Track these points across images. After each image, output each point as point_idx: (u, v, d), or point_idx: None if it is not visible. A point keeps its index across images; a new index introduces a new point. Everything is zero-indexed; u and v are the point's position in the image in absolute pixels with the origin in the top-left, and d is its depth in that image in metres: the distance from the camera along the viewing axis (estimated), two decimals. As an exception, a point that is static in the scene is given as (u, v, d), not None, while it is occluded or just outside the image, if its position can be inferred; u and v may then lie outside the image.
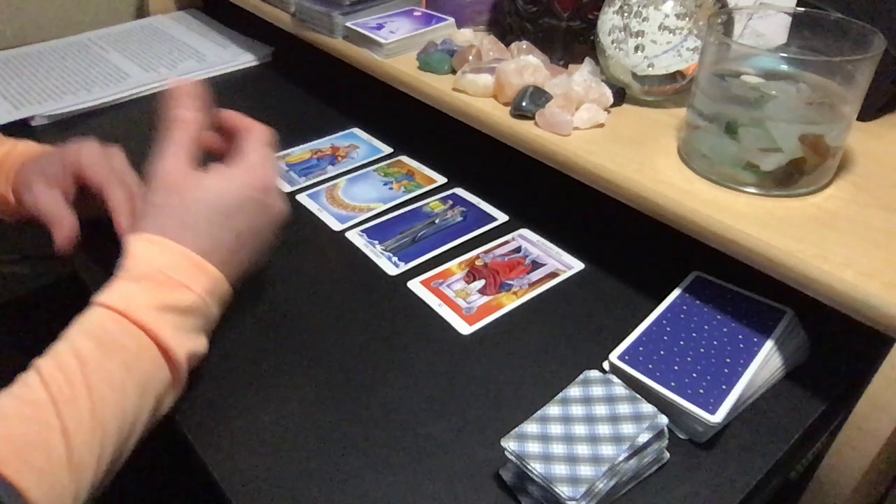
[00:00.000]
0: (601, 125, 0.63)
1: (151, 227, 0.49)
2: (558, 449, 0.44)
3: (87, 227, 0.61)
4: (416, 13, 0.83)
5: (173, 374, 0.47)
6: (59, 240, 0.58)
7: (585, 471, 0.42)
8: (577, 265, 0.65)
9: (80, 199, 0.61)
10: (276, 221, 0.54)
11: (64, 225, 0.58)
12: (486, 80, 0.68)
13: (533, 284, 0.63)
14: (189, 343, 0.48)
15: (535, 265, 0.65)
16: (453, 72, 0.72)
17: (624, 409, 0.46)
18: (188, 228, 0.49)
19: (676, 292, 0.57)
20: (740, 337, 0.52)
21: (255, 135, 0.55)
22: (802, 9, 0.56)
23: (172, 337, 0.46)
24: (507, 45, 0.73)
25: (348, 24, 0.81)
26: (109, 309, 0.45)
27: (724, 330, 0.53)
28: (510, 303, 0.60)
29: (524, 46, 0.71)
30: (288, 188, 0.77)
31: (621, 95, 0.66)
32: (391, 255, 0.66)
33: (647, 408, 0.46)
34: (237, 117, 0.58)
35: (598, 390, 0.48)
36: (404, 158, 0.82)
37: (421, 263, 0.65)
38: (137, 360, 0.45)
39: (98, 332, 0.45)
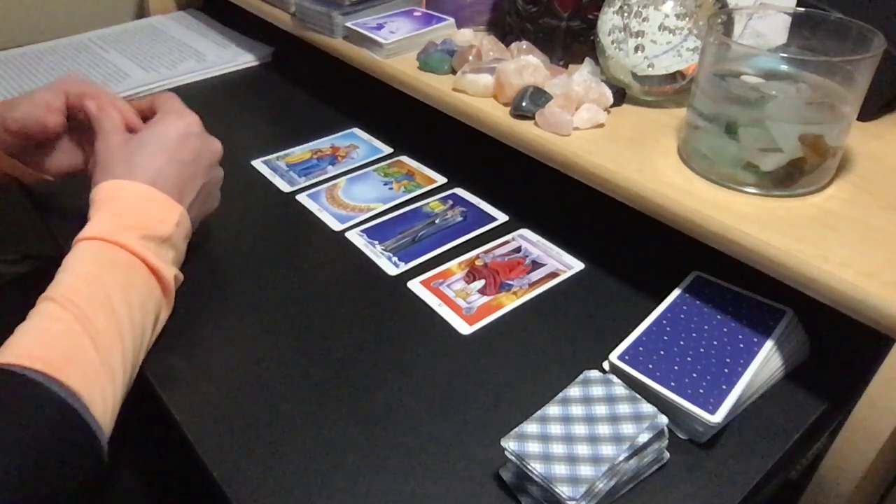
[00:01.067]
0: (601, 125, 0.63)
1: (108, 176, 0.54)
2: (558, 449, 0.44)
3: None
4: (416, 13, 0.83)
5: (164, 293, 0.53)
6: (50, 123, 0.61)
7: (585, 471, 0.42)
8: (577, 265, 0.65)
9: (62, 142, 0.65)
10: (215, 153, 0.61)
11: (51, 119, 0.61)
12: (486, 80, 0.68)
13: (533, 284, 0.63)
14: (171, 269, 0.54)
15: (535, 265, 0.65)
16: (453, 72, 0.72)
17: (624, 409, 0.46)
18: (138, 167, 0.55)
19: (676, 292, 0.57)
20: (740, 337, 0.52)
21: (164, 96, 0.62)
22: (802, 9, 0.56)
23: (157, 261, 0.52)
24: (507, 45, 0.73)
25: (348, 24, 0.81)
26: (96, 239, 0.50)
27: (724, 330, 0.53)
28: (510, 303, 0.60)
29: (524, 46, 0.71)
30: (288, 188, 0.77)
31: (621, 95, 0.66)
32: (391, 255, 0.66)
33: (647, 408, 0.46)
34: (139, 103, 0.63)
35: (598, 390, 0.48)
36: (404, 158, 0.82)
37: (421, 263, 0.65)
38: (134, 278, 0.50)
39: (93, 259, 0.50)
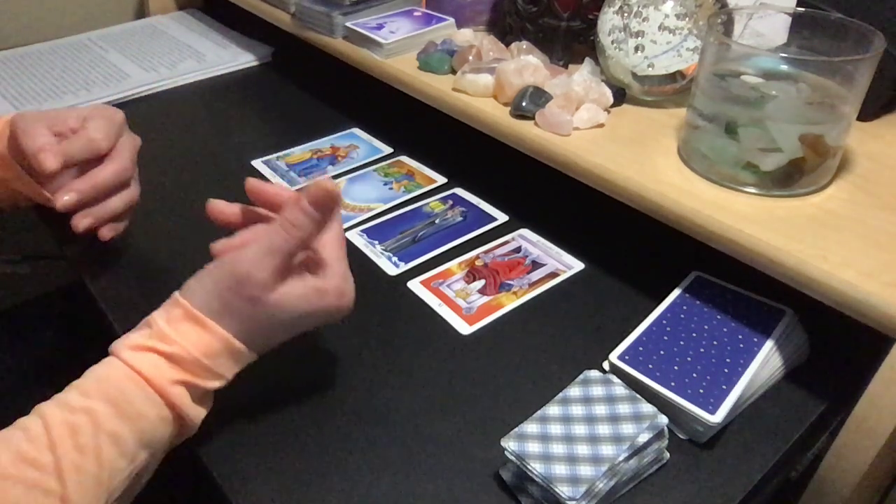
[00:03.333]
0: (601, 125, 0.63)
1: (207, 305, 0.45)
2: (558, 449, 0.44)
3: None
4: (416, 13, 0.83)
5: (184, 435, 0.46)
6: (44, 161, 0.55)
7: (585, 471, 0.42)
8: (577, 265, 0.65)
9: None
10: (335, 321, 0.50)
11: (49, 153, 0.55)
12: (486, 80, 0.68)
13: (533, 284, 0.63)
14: (205, 409, 0.46)
15: (535, 265, 0.65)
16: (453, 72, 0.72)
17: (624, 409, 0.46)
18: (243, 330, 0.45)
19: (676, 292, 0.57)
20: (740, 337, 0.52)
21: (336, 237, 0.50)
22: (802, 9, 0.56)
23: (192, 408, 0.45)
24: (507, 45, 0.73)
25: (348, 24, 0.81)
26: (136, 373, 0.43)
27: (724, 330, 0.53)
28: (510, 303, 0.60)
29: (524, 46, 0.71)
30: (288, 188, 0.77)
31: (621, 95, 0.66)
32: (391, 255, 0.66)
33: (647, 408, 0.46)
34: (300, 202, 0.47)
35: (598, 390, 0.48)
36: (404, 158, 0.82)
37: (421, 263, 0.65)
38: (154, 428, 0.43)
39: (118, 396, 0.42)
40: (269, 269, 0.45)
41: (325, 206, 0.46)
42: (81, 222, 0.59)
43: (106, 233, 0.61)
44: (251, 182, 0.52)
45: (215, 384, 0.45)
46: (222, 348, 0.45)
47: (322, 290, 0.47)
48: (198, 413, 0.45)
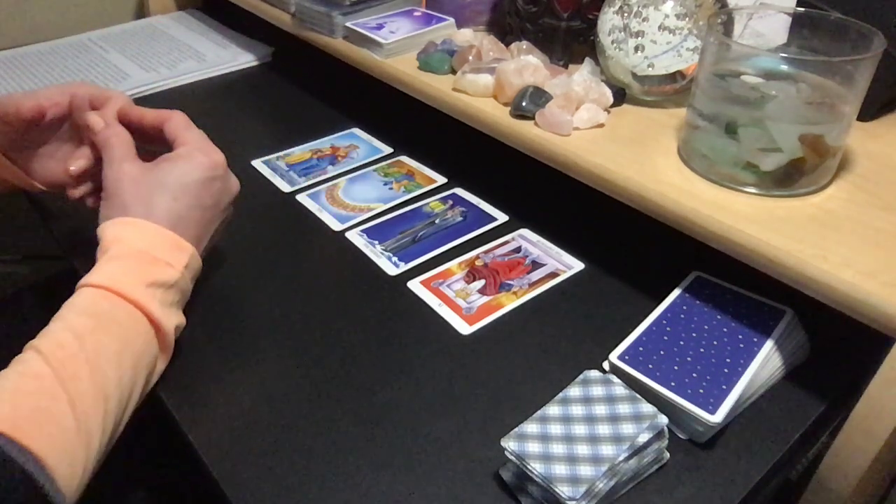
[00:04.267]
0: (601, 125, 0.63)
1: (122, 213, 0.51)
2: (558, 449, 0.44)
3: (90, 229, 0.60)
4: (416, 13, 0.83)
5: (162, 346, 0.50)
6: (49, 111, 0.59)
7: (585, 471, 0.42)
8: (577, 265, 0.65)
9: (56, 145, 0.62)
10: (233, 194, 0.58)
11: (51, 110, 0.59)
12: (486, 80, 0.68)
13: (533, 284, 0.63)
14: (174, 317, 0.51)
15: (535, 265, 0.65)
16: (453, 72, 0.72)
17: (624, 408, 0.46)
18: (158, 208, 0.52)
19: (676, 292, 0.57)
20: (740, 337, 0.52)
21: (179, 121, 0.57)
22: (802, 9, 0.56)
23: (160, 311, 0.49)
24: (507, 45, 0.73)
25: (348, 24, 0.81)
26: (99, 287, 0.47)
27: (724, 330, 0.53)
28: (510, 303, 0.60)
29: (524, 46, 0.71)
30: (288, 188, 0.77)
31: (621, 95, 0.66)
32: (391, 255, 0.66)
33: (647, 408, 0.46)
34: (146, 113, 0.59)
35: (598, 390, 0.48)
36: (404, 158, 0.82)
37: (421, 263, 0.65)
38: (131, 334, 0.47)
39: (92, 309, 0.46)
40: (126, 159, 0.54)
41: (108, 106, 0.57)
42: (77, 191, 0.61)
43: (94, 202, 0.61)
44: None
45: (170, 274, 0.50)
46: (153, 233, 0.51)
47: (186, 155, 0.55)
48: (167, 316, 0.49)
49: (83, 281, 0.48)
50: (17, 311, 0.85)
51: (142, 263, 0.49)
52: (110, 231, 0.51)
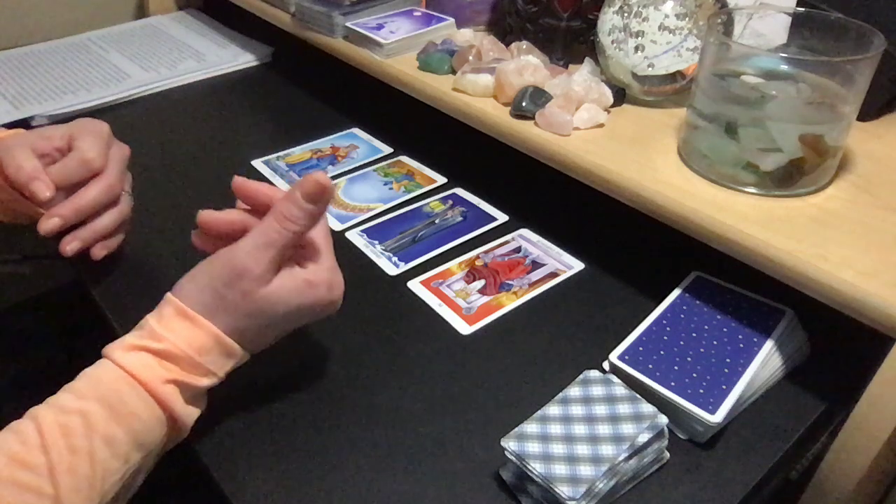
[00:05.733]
0: (601, 125, 0.63)
1: (199, 302, 0.45)
2: (558, 449, 0.44)
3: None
4: (416, 13, 0.83)
5: (177, 436, 0.46)
6: (37, 191, 0.55)
7: (585, 471, 0.42)
8: (577, 265, 0.65)
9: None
10: (326, 315, 0.50)
11: (41, 182, 0.55)
12: (486, 80, 0.68)
13: (533, 284, 0.63)
14: (197, 411, 0.46)
15: (535, 265, 0.65)
16: (453, 72, 0.72)
17: (624, 408, 0.46)
18: (236, 326, 0.45)
19: (676, 292, 0.57)
20: (740, 337, 0.52)
21: (322, 230, 0.49)
22: (802, 9, 0.56)
23: (185, 408, 0.45)
24: (507, 45, 0.73)
25: (348, 24, 0.81)
26: (127, 373, 0.43)
27: (724, 330, 0.53)
28: (510, 303, 0.60)
29: (524, 46, 0.71)
30: (288, 188, 0.76)
31: (621, 95, 0.66)
32: (391, 255, 0.66)
33: (647, 408, 0.46)
34: (261, 190, 0.51)
35: (598, 390, 0.48)
36: (404, 158, 0.82)
37: (421, 263, 0.65)
38: (147, 429, 0.43)
39: (111, 397, 0.42)
40: (265, 263, 0.45)
41: (319, 199, 0.46)
42: (69, 246, 0.58)
43: (97, 252, 0.59)
44: (238, 180, 0.51)
45: (206, 382, 0.45)
46: (213, 344, 0.45)
47: (312, 283, 0.47)
48: (189, 413, 0.45)
49: (114, 354, 0.44)
50: (15, 327, 0.85)
51: (182, 365, 0.44)
52: (170, 314, 0.45)
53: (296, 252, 0.48)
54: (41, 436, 0.40)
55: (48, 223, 0.56)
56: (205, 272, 0.46)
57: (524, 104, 0.64)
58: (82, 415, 0.41)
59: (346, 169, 0.80)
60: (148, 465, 0.44)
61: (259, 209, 0.50)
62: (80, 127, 0.59)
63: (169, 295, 0.46)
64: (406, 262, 0.65)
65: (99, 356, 0.45)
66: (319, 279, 0.47)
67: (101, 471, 0.40)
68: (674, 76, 0.63)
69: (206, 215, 0.50)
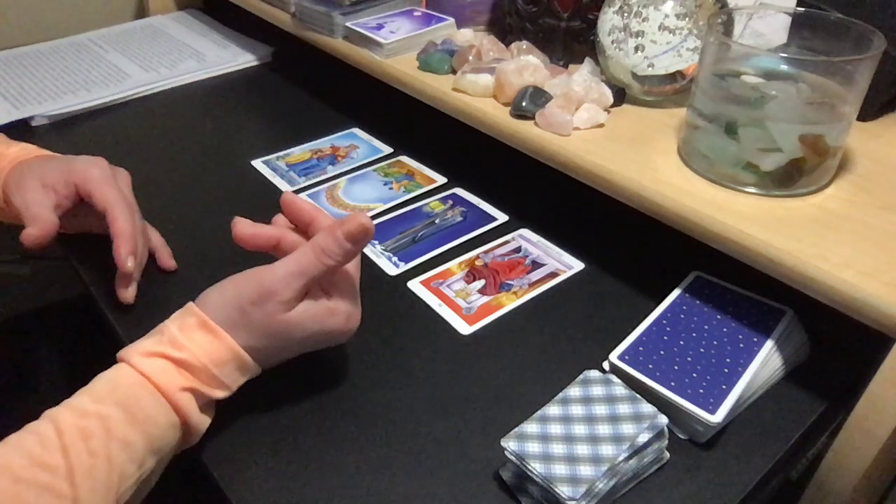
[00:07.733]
0: (601, 125, 0.63)
1: (223, 315, 0.46)
2: (558, 449, 0.44)
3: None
4: (416, 13, 0.83)
5: (186, 443, 0.47)
6: (28, 235, 0.56)
7: (585, 471, 0.42)
8: (577, 265, 0.65)
9: (74, 212, 0.60)
10: (337, 343, 0.52)
11: (39, 224, 0.56)
12: (486, 80, 0.68)
13: (533, 284, 0.63)
14: (209, 418, 0.47)
15: (535, 265, 0.65)
16: (453, 72, 0.72)
17: (624, 408, 0.46)
18: (254, 344, 0.47)
19: (676, 292, 0.57)
20: (740, 337, 0.52)
21: (355, 266, 0.50)
22: (802, 9, 0.56)
23: (198, 416, 0.46)
24: (507, 45, 0.73)
25: (348, 24, 0.81)
26: (147, 379, 0.44)
27: (724, 330, 0.53)
28: (510, 303, 0.60)
29: (524, 46, 0.71)
30: (288, 188, 0.77)
31: (621, 95, 0.66)
32: (391, 255, 0.66)
33: (647, 408, 0.46)
34: (305, 209, 0.51)
35: (598, 390, 0.48)
36: (404, 158, 0.82)
37: (421, 263, 0.65)
38: (162, 434, 0.44)
39: (129, 401, 0.43)
40: (295, 290, 0.46)
41: (359, 241, 0.47)
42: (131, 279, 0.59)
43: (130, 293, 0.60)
44: (287, 196, 0.51)
45: (220, 394, 0.46)
46: (231, 358, 0.46)
47: (333, 311, 0.49)
48: (202, 421, 0.46)
49: (130, 355, 0.45)
50: (18, 337, 0.85)
51: (199, 375, 0.45)
52: (190, 331, 0.46)
53: (324, 279, 0.49)
54: (60, 438, 0.40)
55: (128, 293, 0.59)
56: (235, 286, 0.47)
57: (524, 104, 0.64)
58: (101, 418, 0.41)
59: (345, 169, 0.80)
60: (159, 470, 0.45)
61: (300, 227, 0.52)
62: (85, 175, 0.59)
63: (193, 305, 0.47)
64: (406, 262, 0.65)
65: (99, 357, 0.45)
66: (341, 309, 0.49)
67: (118, 474, 0.41)
68: (674, 76, 0.63)
69: (243, 230, 0.51)
